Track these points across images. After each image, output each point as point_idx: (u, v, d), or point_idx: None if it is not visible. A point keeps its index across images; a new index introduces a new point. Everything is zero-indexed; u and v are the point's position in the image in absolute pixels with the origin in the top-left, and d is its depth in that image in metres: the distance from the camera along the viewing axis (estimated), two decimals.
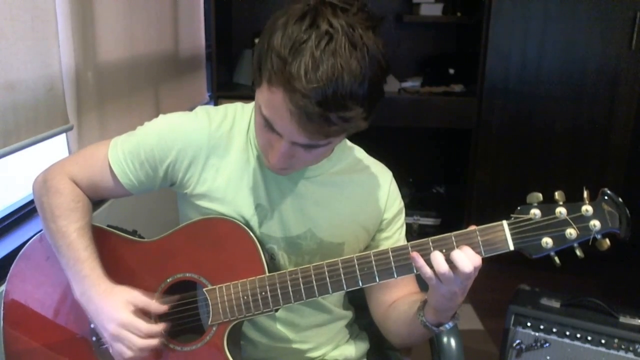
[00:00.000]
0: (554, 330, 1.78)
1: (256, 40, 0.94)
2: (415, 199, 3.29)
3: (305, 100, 0.79)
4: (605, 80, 2.75)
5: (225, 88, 2.98)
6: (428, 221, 3.28)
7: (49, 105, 1.42)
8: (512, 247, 0.89)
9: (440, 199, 3.45)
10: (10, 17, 1.25)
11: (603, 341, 1.73)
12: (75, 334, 1.07)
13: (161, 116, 1.07)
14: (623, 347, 1.71)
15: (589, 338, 1.74)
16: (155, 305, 1.00)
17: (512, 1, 2.72)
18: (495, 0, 2.72)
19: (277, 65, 0.80)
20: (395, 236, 1.13)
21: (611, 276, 2.73)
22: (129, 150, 1.04)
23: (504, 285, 2.14)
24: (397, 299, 1.10)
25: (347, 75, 0.79)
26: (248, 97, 1.10)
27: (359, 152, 1.13)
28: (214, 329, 1.01)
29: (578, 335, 1.76)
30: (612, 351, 1.72)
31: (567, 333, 1.77)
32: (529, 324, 1.81)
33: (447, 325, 0.97)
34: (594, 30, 2.71)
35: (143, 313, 0.99)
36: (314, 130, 0.83)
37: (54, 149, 1.65)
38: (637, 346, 1.70)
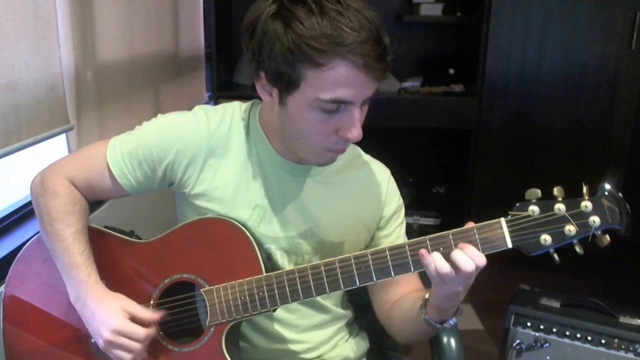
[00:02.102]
0: (554, 330, 1.78)
1: None
2: (415, 199, 3.29)
3: (364, 45, 0.85)
4: (605, 80, 2.75)
5: (225, 88, 2.98)
6: (428, 221, 3.28)
7: (50, 105, 1.42)
8: (510, 245, 0.88)
9: (440, 199, 3.44)
10: (13, 17, 1.25)
11: (603, 341, 1.73)
12: (74, 334, 1.07)
13: (159, 116, 1.07)
14: (623, 347, 1.71)
15: (589, 338, 1.74)
16: (149, 314, 1.00)
17: (512, 1, 2.72)
18: (495, 0, 2.72)
19: (322, 43, 0.84)
20: (394, 234, 1.12)
21: (611, 276, 2.72)
22: (127, 151, 1.04)
23: (504, 285, 2.14)
24: (400, 297, 1.10)
25: (368, 12, 0.87)
26: (248, 97, 1.10)
27: (357, 150, 1.13)
28: (212, 329, 1.01)
29: (578, 335, 1.76)
30: (612, 351, 1.72)
31: (567, 333, 1.77)
32: (529, 324, 1.81)
33: (450, 322, 0.97)
34: (594, 30, 2.71)
35: (138, 320, 0.99)
36: (379, 70, 0.88)
37: (53, 149, 1.65)
38: (637, 346, 1.70)
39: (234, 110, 1.07)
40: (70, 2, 1.49)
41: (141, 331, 0.98)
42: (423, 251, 0.89)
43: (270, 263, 1.07)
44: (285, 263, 1.07)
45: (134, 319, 0.99)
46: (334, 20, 0.84)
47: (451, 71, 3.17)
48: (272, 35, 0.87)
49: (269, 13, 0.88)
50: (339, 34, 0.84)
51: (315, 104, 0.90)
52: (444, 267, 0.87)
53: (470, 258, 0.87)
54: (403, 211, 1.15)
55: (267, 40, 0.88)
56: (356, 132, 0.92)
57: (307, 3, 0.86)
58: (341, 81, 0.87)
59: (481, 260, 0.87)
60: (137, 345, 0.97)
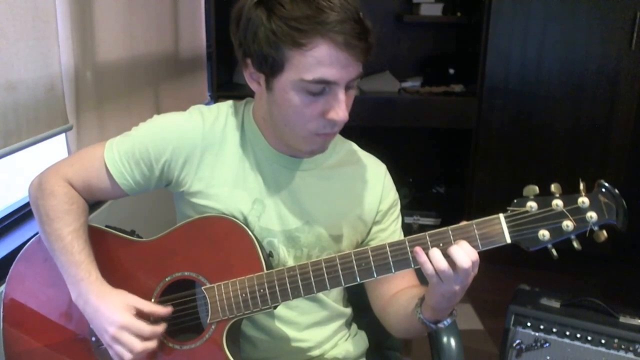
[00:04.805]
0: (554, 330, 1.78)
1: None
2: (415, 199, 3.29)
3: (343, 24, 0.87)
4: (605, 80, 2.75)
5: (225, 88, 2.99)
6: (428, 221, 3.28)
7: (49, 105, 1.42)
8: (509, 240, 0.89)
9: (440, 199, 3.45)
10: (12, 16, 1.25)
11: (603, 341, 1.73)
12: (74, 334, 1.07)
13: (155, 116, 1.08)
14: (623, 347, 1.71)
15: (589, 338, 1.74)
16: (158, 307, 1.00)
17: (512, 1, 2.72)
18: (495, 0, 2.72)
19: (302, 23, 0.87)
20: (390, 228, 1.13)
21: (611, 276, 2.73)
22: (124, 151, 1.05)
23: (504, 285, 2.14)
24: (396, 292, 1.10)
25: None
26: (248, 97, 1.11)
27: (353, 145, 1.14)
28: (213, 327, 1.01)
29: (578, 335, 1.76)
30: (612, 351, 1.72)
31: (567, 333, 1.77)
32: (529, 324, 1.81)
33: (445, 322, 0.97)
34: (594, 30, 2.71)
35: (144, 316, 0.99)
36: (360, 48, 0.90)
37: (53, 149, 1.65)
38: (637, 346, 1.70)
39: (228, 109, 1.08)
40: (69, 2, 1.49)
41: (146, 328, 0.97)
42: (418, 249, 0.89)
43: (272, 259, 1.07)
44: (287, 257, 1.08)
45: (140, 314, 0.99)
46: (315, 1, 0.87)
47: (451, 71, 3.17)
48: (255, 21, 0.90)
49: (253, 1, 0.91)
50: (319, 14, 0.87)
51: (300, 85, 0.91)
52: (442, 263, 0.87)
53: (465, 254, 0.87)
54: (399, 206, 1.16)
55: (251, 26, 0.91)
56: (342, 113, 0.93)
57: None
58: (323, 60, 0.89)
59: (473, 255, 0.88)
60: (139, 343, 0.97)
